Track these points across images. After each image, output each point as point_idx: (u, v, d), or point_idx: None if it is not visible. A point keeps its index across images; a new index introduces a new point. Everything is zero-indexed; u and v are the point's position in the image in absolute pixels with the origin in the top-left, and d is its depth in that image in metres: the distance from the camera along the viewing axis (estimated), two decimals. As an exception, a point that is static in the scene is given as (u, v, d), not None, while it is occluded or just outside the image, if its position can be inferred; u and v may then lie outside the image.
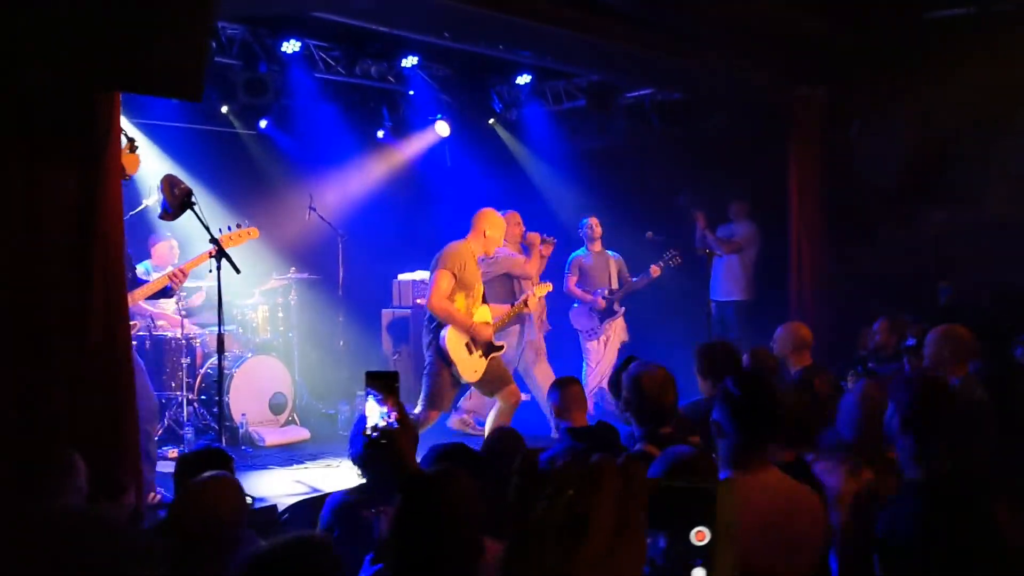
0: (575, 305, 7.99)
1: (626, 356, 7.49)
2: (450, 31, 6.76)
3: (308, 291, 8.09)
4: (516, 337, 7.39)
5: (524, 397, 8.69)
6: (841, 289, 7.96)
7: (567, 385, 4.41)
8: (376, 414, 2.79)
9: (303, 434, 7.21)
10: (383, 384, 2.78)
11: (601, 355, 7.89)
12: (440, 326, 5.59)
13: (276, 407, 7.23)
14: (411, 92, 8.67)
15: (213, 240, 4.71)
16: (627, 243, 8.01)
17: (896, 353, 6.23)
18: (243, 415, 6.96)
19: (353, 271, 8.14)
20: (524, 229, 7.34)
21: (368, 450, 3.20)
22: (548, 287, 6.69)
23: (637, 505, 0.68)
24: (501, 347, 5.89)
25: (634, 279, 7.87)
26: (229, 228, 5.13)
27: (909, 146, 7.86)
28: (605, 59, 7.40)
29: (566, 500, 0.66)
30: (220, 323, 4.79)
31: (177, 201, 4.74)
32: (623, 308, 7.92)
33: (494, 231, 5.77)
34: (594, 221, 7.94)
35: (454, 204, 8.24)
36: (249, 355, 7.26)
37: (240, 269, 4.70)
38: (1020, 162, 7.89)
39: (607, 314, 7.86)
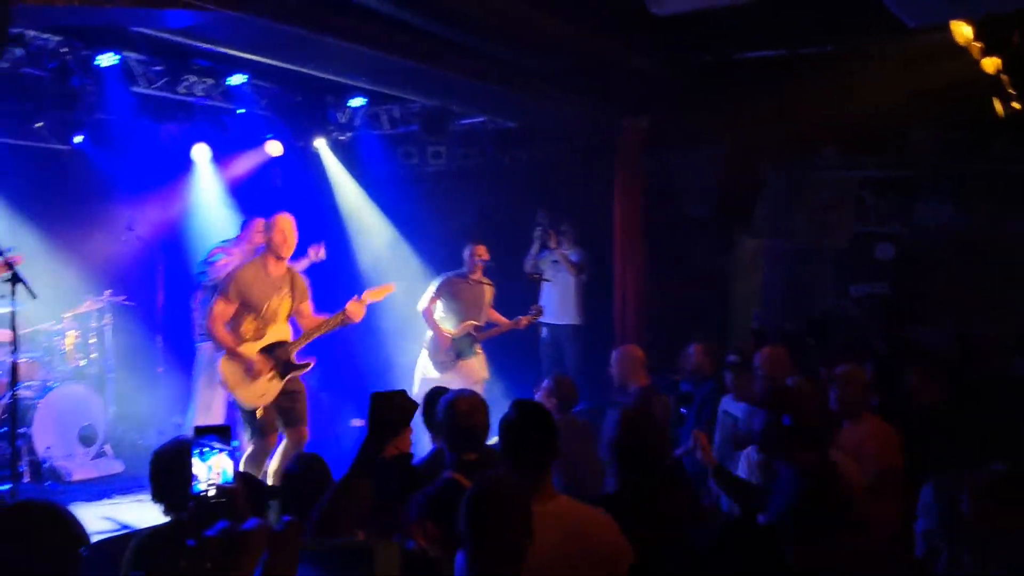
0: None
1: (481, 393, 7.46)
2: (275, 52, 6.65)
3: (124, 316, 7.71)
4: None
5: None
6: (658, 314, 8.32)
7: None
8: (209, 473, 2.62)
9: (116, 467, 6.85)
10: (217, 437, 2.62)
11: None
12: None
13: (86, 439, 6.84)
14: (241, 110, 8.46)
15: (7, 263, 4.44)
16: (457, 267, 8.06)
17: (712, 374, 6.58)
18: (48, 448, 6.54)
19: (174, 295, 7.84)
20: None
21: (202, 510, 2.96)
22: (387, 289, 5.95)
23: (283, 565, 0.72)
24: (303, 366, 5.57)
25: (491, 327, 7.42)
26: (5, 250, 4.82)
27: (721, 177, 8.35)
28: (435, 87, 7.47)
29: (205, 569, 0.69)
30: (15, 350, 4.51)
31: (-32, 221, 4.45)
32: (480, 353, 7.42)
33: (266, 236, 5.53)
34: (481, 247, 7.38)
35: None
36: (55, 384, 6.83)
37: (36, 294, 4.44)
38: (820, 193, 8.54)
39: (463, 352, 7.33)
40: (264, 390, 5.39)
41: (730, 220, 8.54)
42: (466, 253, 7.43)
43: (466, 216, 8.88)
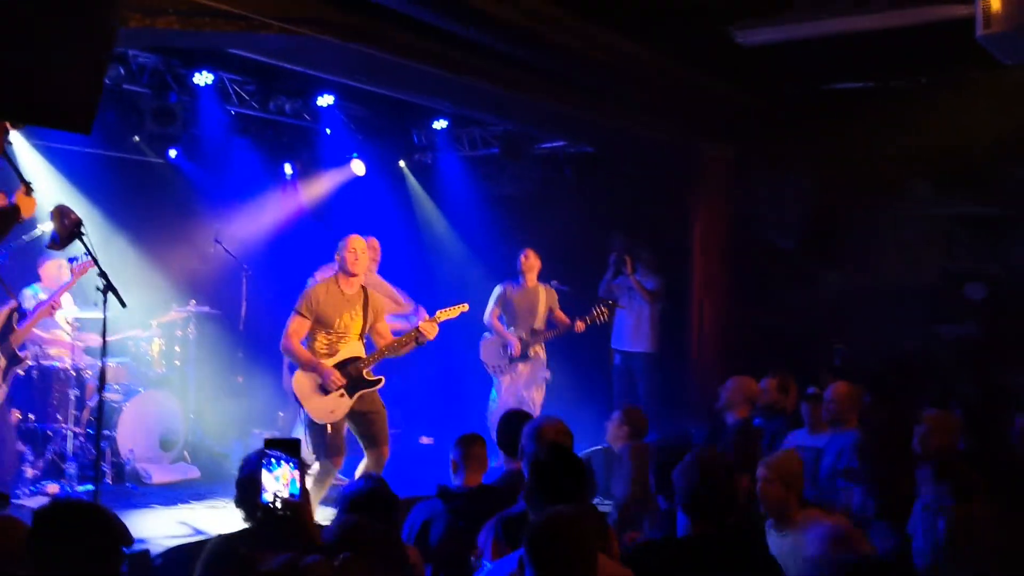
0: (486, 335, 7.67)
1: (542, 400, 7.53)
2: (365, 76, 6.81)
3: (208, 325, 7.94)
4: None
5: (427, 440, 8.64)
6: (739, 346, 8.17)
7: (469, 443, 4.16)
8: (276, 483, 2.66)
9: (193, 472, 7.03)
10: (285, 451, 2.66)
11: (511, 392, 7.57)
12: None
13: (166, 443, 7.04)
14: (328, 130, 8.66)
15: (101, 273, 4.61)
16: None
17: (784, 410, 6.43)
18: (131, 451, 6.76)
19: (257, 307, 8.01)
20: (375, 254, 6.73)
21: (268, 519, 3.00)
22: (462, 308, 5.93)
23: None
24: (374, 383, 5.60)
25: (547, 330, 7.58)
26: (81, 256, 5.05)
27: (807, 209, 8.18)
28: (518, 111, 7.54)
29: None
30: (103, 356, 4.67)
31: (66, 231, 4.65)
32: (538, 354, 7.59)
33: (339, 256, 5.63)
34: (529, 252, 7.65)
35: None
36: (141, 389, 7.07)
37: (126, 303, 4.60)
38: (909, 229, 8.29)
39: (519, 356, 7.56)
40: (334, 406, 5.46)
41: (814, 253, 8.34)
42: (519, 260, 7.67)
43: (544, 240, 8.86)
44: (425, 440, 8.59)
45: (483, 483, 4.00)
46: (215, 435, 7.79)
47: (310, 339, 5.53)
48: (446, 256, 9.55)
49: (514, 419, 4.28)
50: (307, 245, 9.00)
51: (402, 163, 9.42)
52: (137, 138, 7.97)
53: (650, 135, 8.05)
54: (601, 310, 7.51)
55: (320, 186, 9.23)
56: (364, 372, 5.55)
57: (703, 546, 2.97)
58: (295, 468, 2.50)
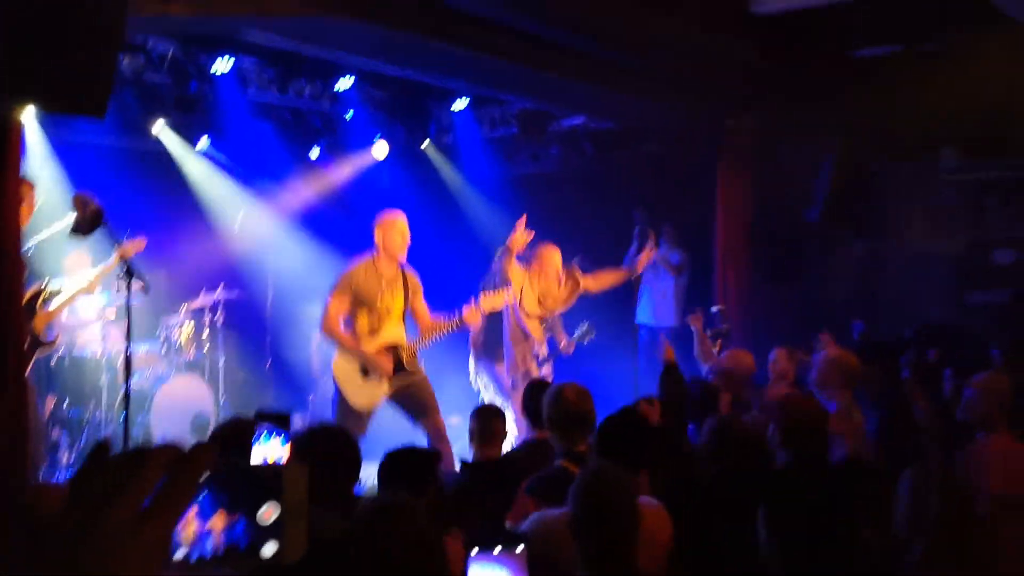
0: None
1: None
2: (384, 55, 6.81)
3: (236, 310, 8.02)
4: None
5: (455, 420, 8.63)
6: (764, 318, 8.10)
7: (486, 416, 4.26)
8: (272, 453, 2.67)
9: (224, 455, 7.13)
10: (276, 423, 2.66)
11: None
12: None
13: (198, 427, 7.14)
14: (348, 113, 8.68)
15: (122, 255, 4.69)
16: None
17: (793, 381, 6.33)
18: (163, 436, 6.87)
19: (285, 292, 8.10)
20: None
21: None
22: (502, 296, 5.74)
23: (179, 489, 0.74)
24: (413, 373, 5.51)
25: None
26: (127, 235, 5.09)
27: (832, 178, 8.07)
28: (538, 88, 7.50)
29: (100, 482, 0.71)
30: (128, 342, 4.74)
31: (87, 219, 4.73)
32: None
33: (384, 236, 5.53)
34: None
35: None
36: (172, 373, 7.18)
37: (149, 287, 4.68)
38: (939, 196, 8.16)
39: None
40: (373, 391, 5.41)
41: (839, 222, 8.24)
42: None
43: (564, 217, 8.85)
44: (454, 420, 8.60)
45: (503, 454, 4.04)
46: (246, 418, 7.87)
47: (352, 320, 5.48)
48: (469, 238, 9.52)
49: (538, 388, 4.29)
50: (332, 230, 9.04)
51: (427, 143, 9.36)
52: (157, 128, 8.04)
53: (670, 108, 7.98)
54: (589, 329, 6.96)
55: (343, 170, 9.27)
56: (405, 360, 5.48)
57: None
58: (286, 442, 2.43)
